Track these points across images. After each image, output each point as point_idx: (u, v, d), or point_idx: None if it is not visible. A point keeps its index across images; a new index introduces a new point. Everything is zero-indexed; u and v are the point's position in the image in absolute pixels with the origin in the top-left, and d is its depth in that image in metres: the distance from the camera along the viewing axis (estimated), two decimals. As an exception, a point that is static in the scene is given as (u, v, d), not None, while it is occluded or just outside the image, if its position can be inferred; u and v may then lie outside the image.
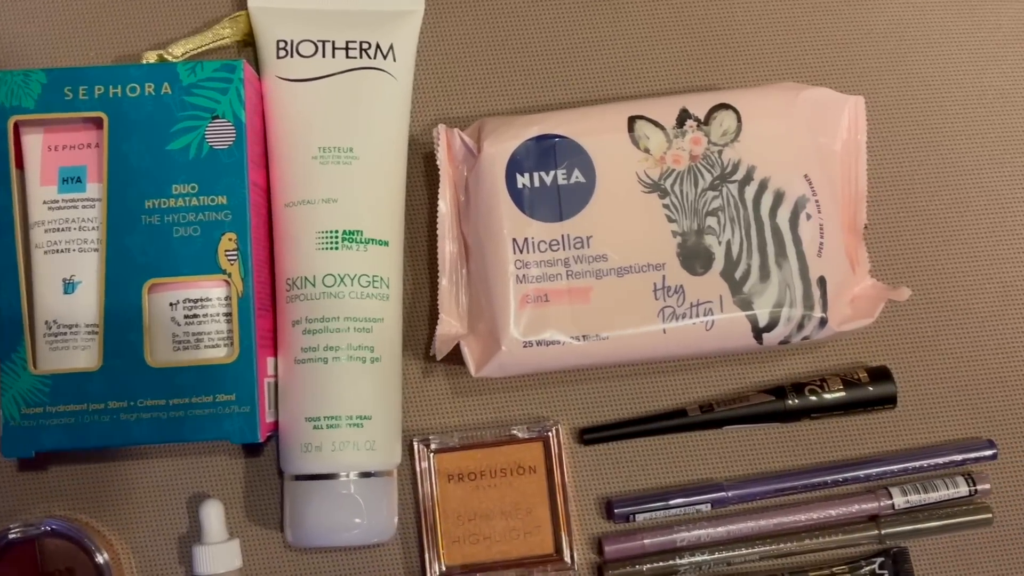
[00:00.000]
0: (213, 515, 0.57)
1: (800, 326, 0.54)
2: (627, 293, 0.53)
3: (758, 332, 0.53)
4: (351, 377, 0.54)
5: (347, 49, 0.57)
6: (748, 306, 0.53)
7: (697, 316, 0.53)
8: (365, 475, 0.54)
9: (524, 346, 0.53)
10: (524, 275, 0.53)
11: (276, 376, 0.55)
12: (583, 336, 0.53)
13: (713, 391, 0.59)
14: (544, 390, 0.59)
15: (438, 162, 0.55)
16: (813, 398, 0.58)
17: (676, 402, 0.59)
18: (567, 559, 0.57)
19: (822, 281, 0.54)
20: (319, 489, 0.53)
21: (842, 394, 0.58)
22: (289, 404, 0.54)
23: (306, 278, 0.54)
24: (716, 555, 0.57)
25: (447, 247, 0.56)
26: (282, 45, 0.57)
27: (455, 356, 0.58)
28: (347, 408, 0.53)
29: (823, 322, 0.53)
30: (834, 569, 0.57)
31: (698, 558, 0.57)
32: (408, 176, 0.60)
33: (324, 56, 0.57)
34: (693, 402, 0.59)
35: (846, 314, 0.55)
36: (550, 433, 0.58)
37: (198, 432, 0.52)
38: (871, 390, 0.58)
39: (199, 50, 0.59)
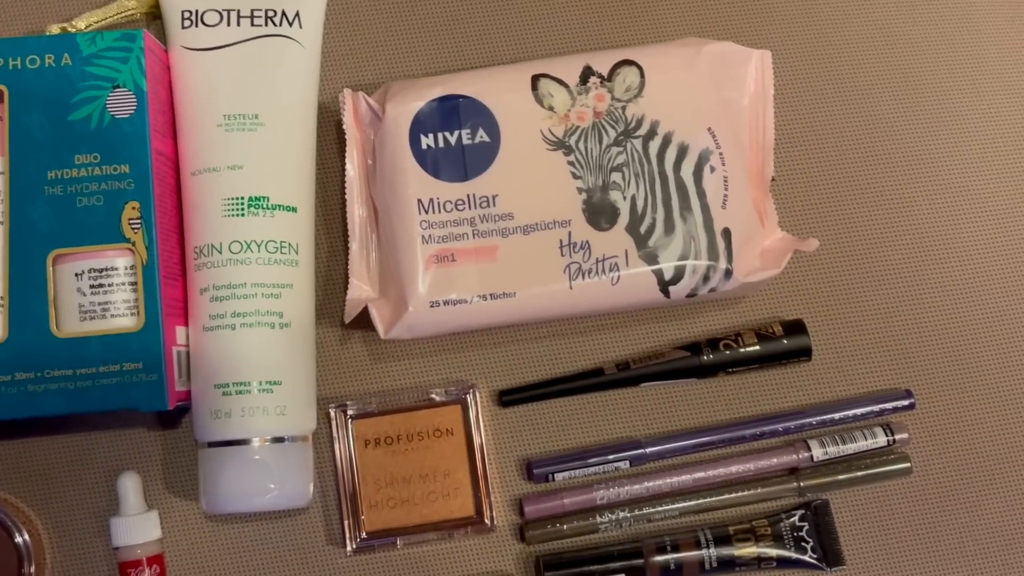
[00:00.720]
0: (130, 487, 0.57)
1: (706, 278, 0.54)
2: (533, 251, 0.53)
3: (664, 285, 0.54)
4: (259, 343, 0.54)
5: (252, 17, 0.57)
6: (653, 260, 0.53)
7: (603, 271, 0.53)
8: (277, 440, 0.54)
9: (431, 306, 0.53)
10: (430, 235, 0.53)
11: (188, 346, 0.55)
12: (490, 295, 0.53)
13: (631, 350, 0.60)
14: (462, 354, 0.59)
15: (344, 126, 0.55)
16: (728, 353, 0.58)
17: (594, 362, 0.59)
18: (487, 521, 0.57)
19: (727, 233, 0.54)
20: (230, 455, 0.53)
21: (757, 348, 0.58)
22: (199, 372, 0.54)
23: (212, 245, 0.54)
24: (636, 512, 0.57)
25: (356, 211, 0.56)
26: (187, 15, 0.57)
27: (372, 322, 0.58)
28: (256, 373, 0.53)
29: (728, 273, 0.54)
30: (754, 523, 0.57)
31: (618, 515, 0.57)
32: (321, 143, 0.60)
33: (229, 25, 0.56)
34: (610, 361, 0.59)
35: (754, 266, 0.55)
36: (468, 396, 0.58)
37: (106, 401, 0.52)
38: (786, 343, 0.58)
39: (104, 22, 0.59)
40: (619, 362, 0.59)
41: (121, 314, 0.53)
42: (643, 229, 0.54)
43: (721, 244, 0.54)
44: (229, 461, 0.53)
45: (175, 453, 0.58)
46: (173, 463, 0.58)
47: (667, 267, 0.53)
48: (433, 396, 0.58)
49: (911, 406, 0.59)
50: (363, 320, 0.59)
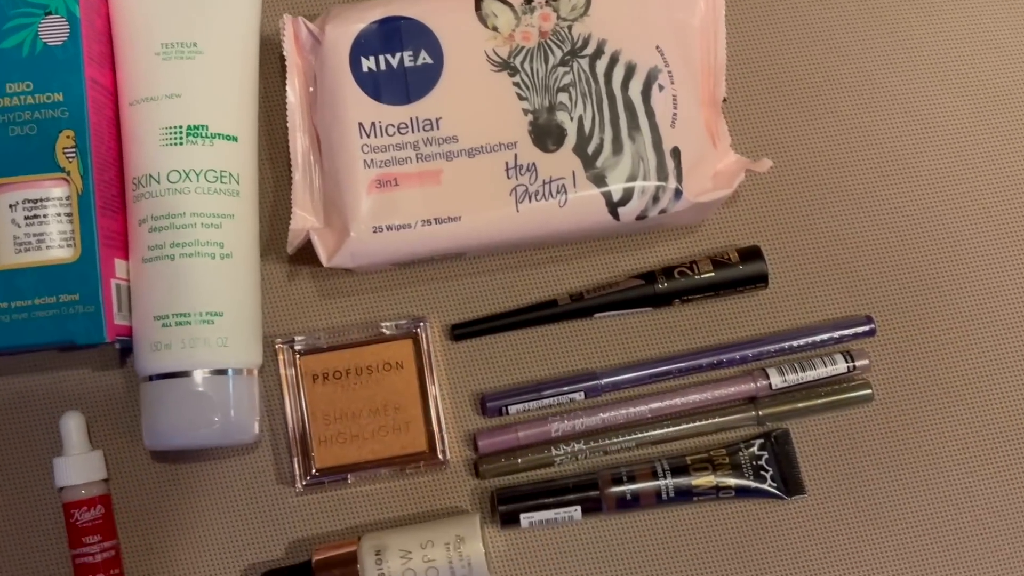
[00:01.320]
0: (73, 427, 0.55)
1: (655, 198, 0.52)
2: (479, 174, 0.52)
3: (613, 207, 0.52)
4: (199, 273, 0.52)
5: (190, -56, 0.55)
6: (601, 181, 0.52)
7: (550, 194, 0.52)
8: (219, 373, 0.52)
9: (374, 231, 0.52)
10: (372, 160, 0.52)
11: (128, 280, 0.54)
12: (435, 219, 0.52)
13: (585, 282, 0.58)
14: (413, 288, 0.58)
15: (284, 52, 0.54)
16: (683, 280, 0.56)
17: (547, 294, 0.58)
18: (440, 455, 0.56)
19: (676, 152, 0.53)
20: (171, 388, 0.52)
21: (712, 275, 0.56)
22: (139, 304, 0.53)
23: (151, 175, 0.53)
24: (591, 444, 0.56)
25: (299, 140, 0.54)
26: (123, -57, 0.56)
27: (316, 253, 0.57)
28: (196, 304, 0.52)
29: (678, 194, 0.52)
30: (712, 453, 0.56)
31: (573, 448, 0.56)
32: (265, 73, 0.58)
33: (166, -48, 0.55)
34: (564, 293, 0.58)
35: (706, 187, 0.53)
36: (419, 329, 0.56)
37: (42, 334, 0.51)
38: (742, 269, 0.57)
39: (39, -47, 0.57)
40: (573, 293, 0.57)
41: (57, 245, 0.52)
42: (591, 150, 0.52)
43: (671, 164, 0.52)
44: (170, 394, 0.52)
45: (121, 393, 0.57)
46: (119, 403, 0.57)
47: (615, 188, 0.52)
48: (383, 330, 0.56)
49: (871, 332, 0.57)
50: (311, 255, 0.57)
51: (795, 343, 0.57)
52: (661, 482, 0.55)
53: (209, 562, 0.56)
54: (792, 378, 0.56)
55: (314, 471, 0.56)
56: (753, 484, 0.56)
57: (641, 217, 0.53)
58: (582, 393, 0.57)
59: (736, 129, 0.59)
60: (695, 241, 0.59)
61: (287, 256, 0.58)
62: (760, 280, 0.57)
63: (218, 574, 0.56)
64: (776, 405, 0.57)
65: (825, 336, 0.57)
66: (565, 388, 0.56)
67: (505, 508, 0.55)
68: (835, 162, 0.60)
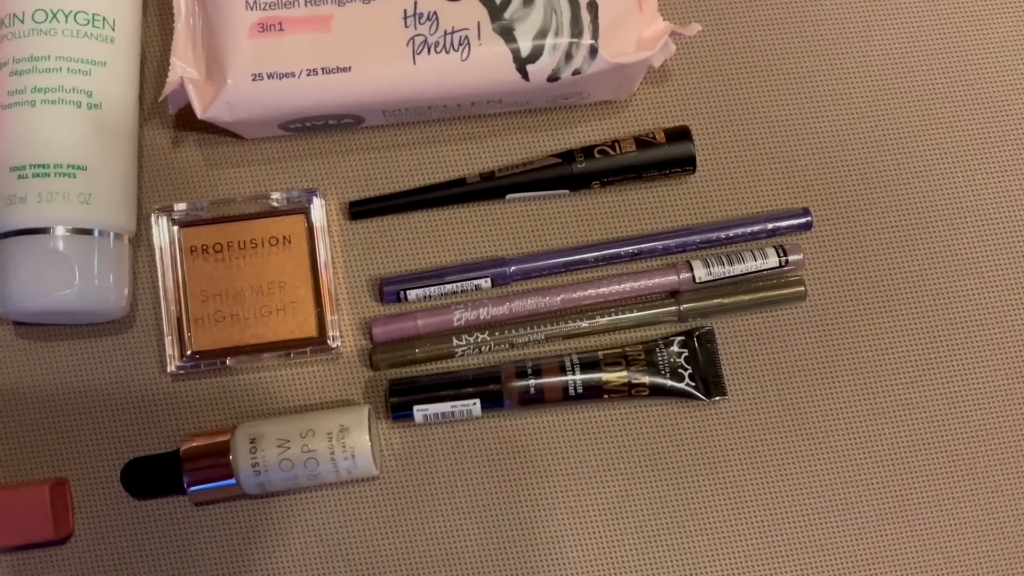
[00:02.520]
0: (-75, 293, 0.51)
1: (568, 56, 0.47)
2: (373, 21, 0.47)
3: (521, 64, 0.47)
4: (62, 122, 0.47)
5: None
6: (509, 34, 0.47)
7: (452, 47, 0.47)
8: (82, 232, 0.47)
9: (253, 79, 0.47)
10: (255, 1, 0.47)
11: (-11, 132, 0.49)
12: (322, 69, 0.47)
13: (500, 162, 0.54)
14: (310, 161, 0.53)
15: None
16: (603, 160, 0.52)
17: (458, 174, 0.53)
18: (330, 341, 0.51)
19: (593, 6, 0.48)
20: (26, 244, 0.47)
21: (635, 154, 0.52)
22: (-4, 156, 0.48)
23: (15, 15, 0.48)
24: (496, 335, 0.51)
25: (182, -15, 0.49)
26: None
27: (209, 125, 0.52)
28: (56, 155, 0.47)
29: (593, 51, 0.47)
30: (627, 349, 0.51)
31: (477, 339, 0.51)
32: (155, -76, 0.54)
33: None
34: (474, 172, 0.53)
35: (627, 49, 0.49)
36: (311, 202, 0.52)
37: None
38: (668, 150, 0.52)
39: None
40: (484, 172, 0.53)
41: (-98, 83, 0.47)
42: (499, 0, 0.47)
43: (586, 18, 0.47)
44: (24, 251, 0.47)
45: (-16, 264, 0.52)
46: (-19, 274, 0.52)
47: (524, 44, 0.47)
48: (272, 202, 0.52)
49: (808, 226, 0.53)
50: (197, 120, 0.52)
51: (723, 234, 0.52)
52: (569, 377, 0.50)
53: (71, 447, 0.51)
54: (718, 271, 0.52)
55: (189, 352, 0.51)
56: (669, 383, 0.51)
57: (553, 78, 0.48)
58: (489, 280, 0.52)
59: None
60: (621, 123, 0.54)
61: (172, 121, 0.53)
62: (688, 163, 0.52)
63: (81, 462, 0.51)
64: (700, 300, 0.52)
65: (757, 227, 0.52)
66: (470, 274, 0.52)
67: (397, 400, 0.50)
68: (777, 41, 0.55)
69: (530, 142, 0.53)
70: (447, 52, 0.47)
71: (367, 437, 0.49)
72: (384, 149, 0.53)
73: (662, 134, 0.52)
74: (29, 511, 0.49)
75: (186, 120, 0.53)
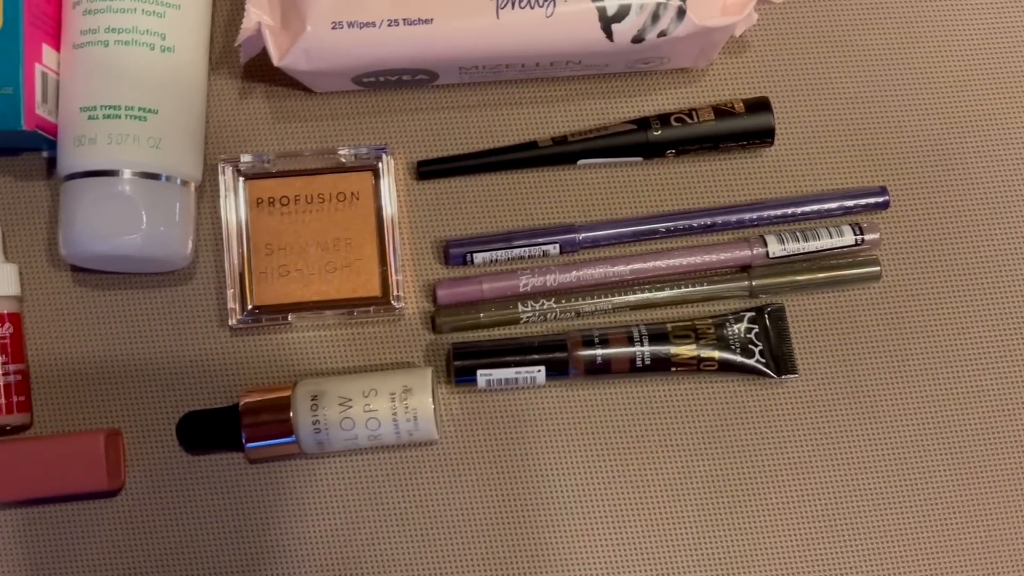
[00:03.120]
0: (-14, 234, 0.50)
1: (655, 16, 0.46)
2: (459, -29, 0.46)
3: (607, 23, 0.46)
4: (135, 63, 0.46)
5: None
6: (596, -10, 0.46)
7: (537, 2, 0.46)
8: (150, 176, 0.46)
9: (333, 27, 0.46)
10: (337, -52, 0.46)
11: (58, 72, 0.48)
12: (403, 20, 0.46)
13: (573, 126, 0.52)
14: (379, 118, 0.52)
15: None
16: (680, 128, 0.50)
17: (529, 136, 0.52)
18: (394, 301, 0.50)
19: (682, -33, 0.47)
20: (93, 187, 0.46)
21: (713, 124, 0.50)
22: (66, 95, 0.47)
23: (90, -47, 0.47)
24: (563, 303, 0.50)
25: (260, -71, 0.48)
26: None
27: (279, 77, 0.51)
28: (127, 97, 0.46)
29: (681, 13, 0.46)
30: (697, 323, 0.50)
31: (543, 306, 0.50)
32: None
33: None
34: (546, 135, 0.52)
35: (713, 13, 0.47)
36: (380, 160, 0.51)
37: (-49, 114, 0.45)
38: (746, 120, 0.50)
39: None
40: (556, 136, 0.51)
41: (-24, 18, 0.46)
42: (587, -44, 0.46)
43: (676, -21, 0.46)
44: (92, 192, 0.46)
45: (44, 207, 0.51)
46: (40, 217, 0.51)
47: (611, 1, 0.46)
48: (341, 158, 0.50)
49: (885, 205, 0.51)
50: (267, 70, 0.51)
51: (799, 209, 0.51)
52: (637, 348, 0.49)
53: (126, 399, 0.50)
54: (792, 247, 0.51)
55: (251, 307, 0.50)
56: (739, 359, 0.50)
57: (638, 40, 0.47)
58: (557, 246, 0.51)
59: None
60: (697, 92, 0.52)
61: (240, 71, 0.52)
62: (766, 135, 0.51)
63: (135, 414, 0.50)
64: (772, 276, 0.51)
65: (833, 204, 0.51)
66: (539, 240, 0.50)
67: (461, 363, 0.49)
68: (858, 14, 0.53)
69: (603, 108, 0.52)
70: (531, 8, 0.46)
71: (430, 400, 0.48)
72: (454, 109, 0.52)
73: (741, 104, 0.51)
74: (83, 460, 0.48)
75: (255, 70, 0.52)
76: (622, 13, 0.46)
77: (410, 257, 0.51)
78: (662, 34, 0.47)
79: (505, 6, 0.46)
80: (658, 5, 0.46)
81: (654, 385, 0.51)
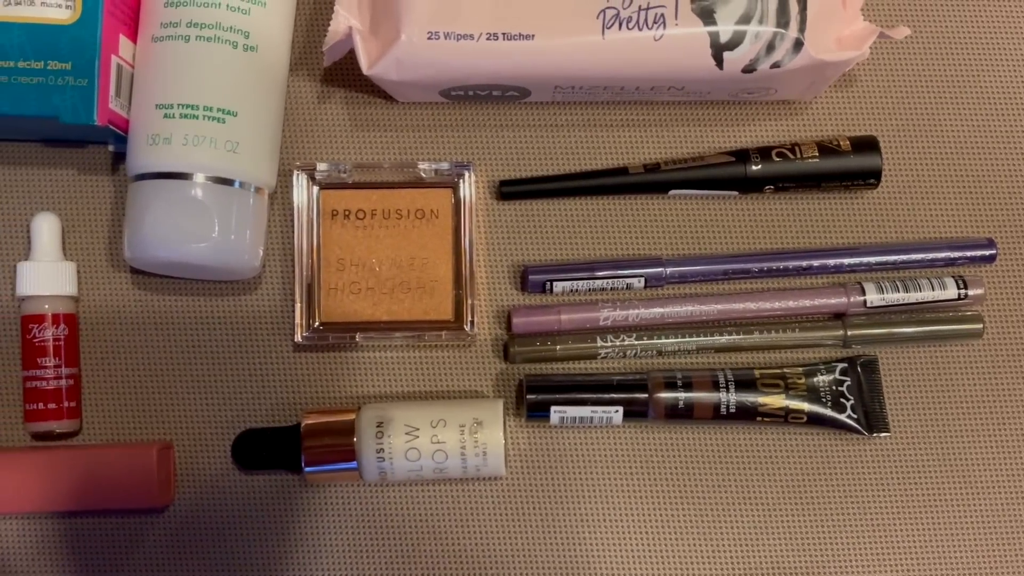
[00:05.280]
0: (46, 229, 0.47)
1: (770, 47, 0.43)
2: (563, -14, 0.44)
3: (718, 50, 0.43)
4: (216, 62, 0.44)
5: None
6: (708, 16, 0.43)
7: (646, 24, 0.43)
8: (223, 182, 0.44)
9: (429, 37, 0.43)
10: (437, -47, 0.44)
11: (133, 65, 0.46)
12: (503, 34, 0.43)
13: (665, 153, 0.50)
14: (462, 132, 0.49)
15: None
16: (781, 164, 0.48)
17: (619, 161, 0.50)
18: (467, 327, 0.47)
19: (803, -5, 0.44)
20: (164, 189, 0.43)
21: (816, 161, 0.48)
22: (141, 90, 0.45)
23: (177, -59, 0.45)
24: (645, 340, 0.48)
25: (352, -72, 0.46)
26: None
27: (359, 83, 0.49)
28: (207, 97, 0.44)
29: (798, 45, 0.43)
30: (786, 370, 0.48)
31: (623, 341, 0.48)
32: None
33: None
34: (637, 161, 0.49)
35: (828, 47, 0.45)
36: (462, 177, 0.48)
37: (22, 103, 0.43)
38: (852, 160, 0.48)
39: None
40: (648, 163, 0.49)
41: (54, 3, 0.43)
42: (700, -22, 0.44)
43: (794, 8, 0.43)
44: (163, 195, 0.43)
45: (107, 204, 0.48)
46: (102, 215, 0.48)
47: (725, 28, 0.43)
48: (420, 172, 0.48)
49: (992, 258, 0.48)
50: (347, 74, 0.49)
51: (901, 257, 0.48)
52: (722, 395, 0.47)
53: (179, 411, 0.48)
54: (892, 297, 0.48)
55: (318, 323, 0.48)
56: (830, 413, 0.47)
57: (749, 70, 0.44)
58: (642, 280, 0.48)
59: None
60: (797, 125, 0.50)
61: (320, 74, 0.49)
62: (871, 176, 0.48)
63: (188, 426, 0.48)
64: (868, 327, 0.48)
65: (937, 255, 0.48)
66: (623, 272, 0.48)
67: (534, 397, 0.47)
68: (976, 58, 0.50)
69: (698, 136, 0.49)
70: (640, 29, 0.43)
71: (501, 435, 0.45)
72: (542, 127, 0.49)
73: (847, 142, 0.48)
74: (133, 474, 0.45)
75: (335, 74, 0.49)
76: (735, 41, 0.43)
77: (484, 280, 0.49)
78: (775, 65, 0.44)
79: (612, 26, 0.43)
80: (775, 35, 0.43)
81: (736, 434, 0.48)
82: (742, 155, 0.48)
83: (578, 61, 0.44)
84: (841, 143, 0.48)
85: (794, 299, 0.48)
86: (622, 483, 0.48)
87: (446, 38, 0.43)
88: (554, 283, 0.48)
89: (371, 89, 0.49)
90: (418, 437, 0.45)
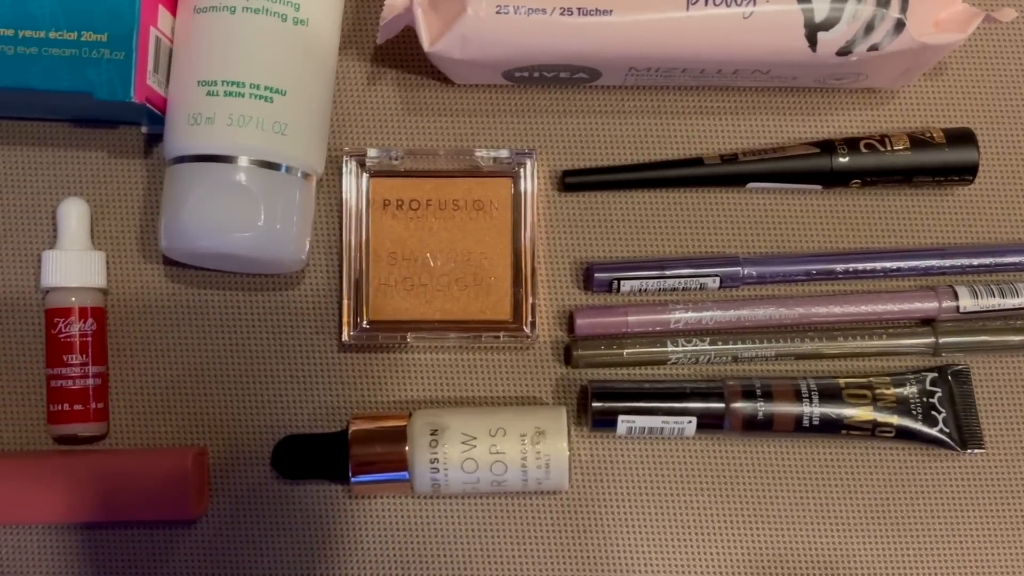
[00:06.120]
0: (74, 216, 0.44)
1: (869, 27, 0.40)
2: (644, -41, 0.40)
3: (812, 30, 0.40)
4: (264, 35, 0.40)
5: None
6: (803, -8, 0.40)
7: (734, 0, 0.40)
8: (270, 166, 0.41)
9: (498, 11, 0.39)
10: (506, -81, 0.40)
11: (172, 39, 0.42)
12: (578, 9, 0.40)
13: (741, 143, 0.46)
14: (523, 118, 0.46)
15: None
16: (869, 156, 0.44)
17: (693, 151, 0.46)
18: (526, 328, 0.44)
19: (905, -28, 0.40)
20: (206, 173, 0.40)
21: (908, 154, 0.44)
22: (182, 66, 0.41)
23: (221, -97, 0.41)
24: (720, 345, 0.44)
25: None
26: None
27: (412, 62, 0.45)
28: (254, 74, 0.40)
29: (900, 26, 0.40)
30: (873, 380, 0.44)
31: (696, 346, 0.44)
32: None
33: None
34: (713, 151, 0.46)
35: (928, 29, 0.41)
36: (522, 167, 0.45)
37: (53, 77, 0.39)
38: (946, 153, 0.44)
39: None
40: (725, 154, 0.45)
41: (88, -31, 0.40)
42: (794, -49, 0.40)
43: (896, -15, 0.40)
44: (205, 180, 0.40)
45: (140, 190, 0.45)
46: (134, 202, 0.45)
47: (820, 6, 0.40)
48: (478, 160, 0.45)
49: (1095, 262, 0.45)
50: (400, 53, 0.45)
51: (996, 260, 0.45)
52: (805, 407, 0.43)
53: (214, 414, 0.44)
54: (987, 303, 0.44)
55: (366, 323, 0.44)
56: (920, 427, 0.43)
57: (844, 52, 0.40)
58: (717, 280, 0.45)
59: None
60: (884, 115, 0.46)
61: (369, 52, 0.46)
62: (967, 172, 0.44)
63: (223, 430, 0.44)
64: (960, 334, 0.44)
65: (1037, 257, 0.45)
66: (697, 271, 0.44)
67: (601, 405, 0.43)
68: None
69: (778, 124, 0.46)
70: (727, 5, 0.40)
71: (566, 446, 0.42)
72: (609, 114, 0.46)
73: (940, 134, 0.44)
74: (165, 482, 0.42)
75: (386, 52, 0.46)
76: (831, 21, 0.40)
77: (545, 278, 0.45)
78: (873, 48, 0.40)
79: (697, 1, 0.40)
80: (874, 16, 0.40)
81: (818, 447, 0.44)
82: (828, 146, 0.44)
83: (659, 39, 0.40)
84: (934, 135, 0.44)
85: (881, 303, 0.44)
86: (693, 499, 0.44)
87: (516, 12, 0.39)
88: (621, 282, 0.44)
89: (425, 69, 0.45)
90: (475, 447, 0.42)
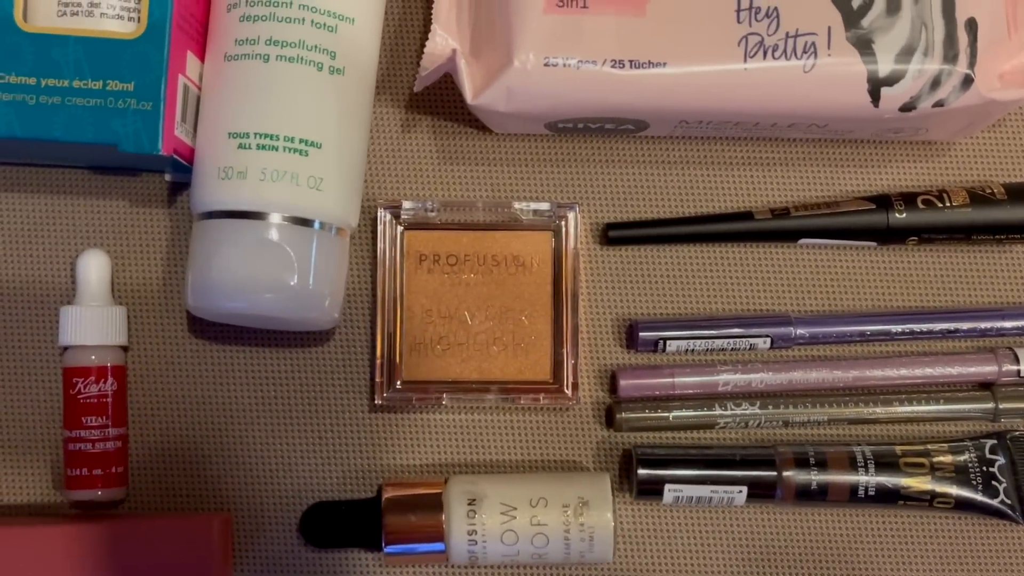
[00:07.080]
0: (94, 270, 0.42)
1: (935, 83, 0.38)
2: (698, 10, 0.38)
3: (876, 85, 0.38)
4: (299, 85, 0.38)
5: None
6: (866, 46, 0.38)
7: (794, 53, 0.38)
8: (303, 223, 0.39)
9: (546, 64, 0.38)
10: (557, -32, 0.38)
11: (200, 85, 0.41)
12: (630, 61, 0.38)
13: (792, 196, 0.44)
14: (564, 168, 0.44)
15: None
16: (927, 212, 0.42)
17: (742, 205, 0.44)
18: (567, 389, 0.42)
19: (972, 25, 0.38)
20: (237, 231, 0.38)
21: (968, 211, 0.42)
22: (211, 116, 0.39)
23: (255, -53, 0.39)
24: (770, 409, 0.42)
25: (452, -64, 0.40)
26: None
27: (448, 109, 0.43)
28: (289, 126, 0.38)
29: (967, 81, 0.38)
30: (930, 447, 0.42)
31: (745, 410, 0.42)
32: None
33: None
34: (763, 205, 0.44)
35: (995, 84, 0.39)
36: (564, 220, 0.43)
37: (77, 128, 0.37)
38: (1008, 210, 0.42)
39: None
40: (775, 208, 0.43)
41: (114, 15, 0.38)
42: (856, 2, 0.38)
43: (963, 39, 0.38)
44: (234, 238, 0.38)
45: (164, 241, 0.43)
46: (158, 254, 0.43)
47: (884, 61, 0.38)
48: (517, 213, 0.43)
49: None
50: (435, 101, 0.44)
51: (1060, 322, 0.43)
52: (860, 476, 0.41)
53: (241, 479, 0.42)
54: (1050, 367, 0.42)
55: (399, 383, 0.42)
56: (981, 498, 0.41)
57: (908, 108, 0.38)
58: (768, 340, 0.43)
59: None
60: (939, 168, 0.44)
61: (404, 99, 0.44)
62: (1030, 230, 0.43)
63: (248, 496, 0.42)
64: (1021, 399, 0.42)
65: (1102, 320, 0.43)
66: (746, 330, 0.42)
67: (647, 473, 0.41)
68: None
69: (830, 177, 0.44)
70: (787, 59, 0.38)
71: (611, 517, 0.40)
72: (654, 164, 0.44)
73: (1001, 190, 0.43)
74: (187, 551, 0.40)
75: (421, 100, 0.44)
76: (895, 76, 0.38)
77: (586, 333, 0.43)
78: (938, 104, 0.38)
79: (755, 54, 0.38)
80: (941, 71, 0.38)
81: (873, 518, 0.42)
82: (884, 201, 0.42)
83: (715, 93, 0.38)
84: (995, 191, 0.43)
85: (939, 366, 0.42)
86: (743, 571, 0.42)
87: (565, 65, 0.37)
88: (667, 341, 0.42)
89: (463, 117, 0.43)
90: (515, 518, 0.40)
